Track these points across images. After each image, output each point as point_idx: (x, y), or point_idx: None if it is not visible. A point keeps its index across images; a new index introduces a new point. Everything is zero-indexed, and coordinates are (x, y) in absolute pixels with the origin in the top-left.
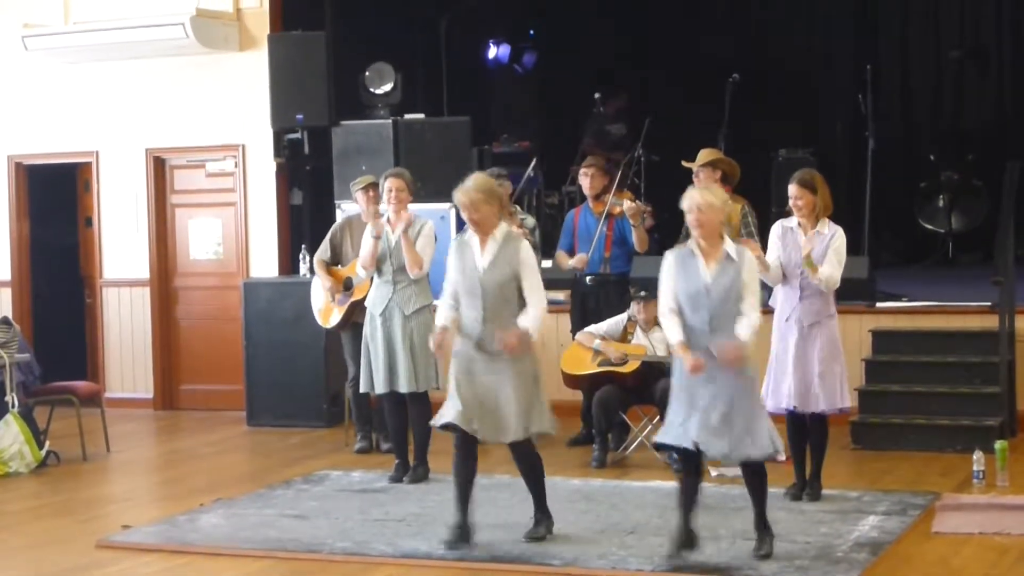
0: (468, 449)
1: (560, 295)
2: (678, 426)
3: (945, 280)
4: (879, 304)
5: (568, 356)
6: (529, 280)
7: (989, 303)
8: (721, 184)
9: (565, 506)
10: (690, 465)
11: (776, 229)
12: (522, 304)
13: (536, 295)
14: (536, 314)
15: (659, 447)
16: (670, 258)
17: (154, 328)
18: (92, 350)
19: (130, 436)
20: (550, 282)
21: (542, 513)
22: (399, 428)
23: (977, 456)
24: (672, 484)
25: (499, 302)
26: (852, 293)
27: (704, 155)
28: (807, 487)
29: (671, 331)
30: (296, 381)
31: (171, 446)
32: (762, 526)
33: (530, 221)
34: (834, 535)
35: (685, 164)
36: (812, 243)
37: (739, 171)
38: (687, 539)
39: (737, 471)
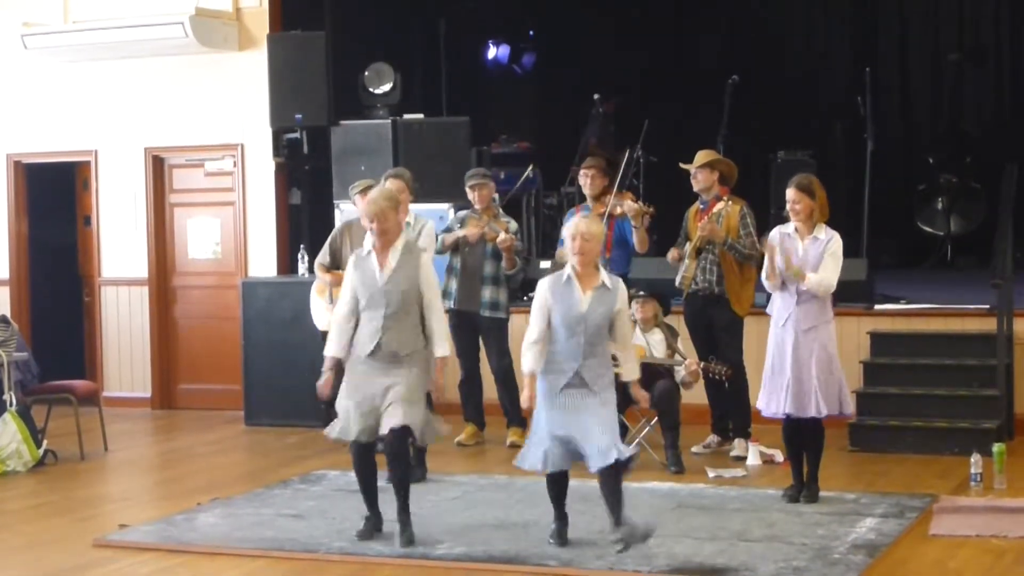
0: (363, 455)
1: None
2: (541, 451)
3: (943, 283)
4: (877, 306)
5: None
6: (430, 296)
7: (987, 306)
8: (719, 185)
9: None
10: (556, 477)
11: (773, 235)
12: (422, 316)
13: (438, 315)
14: (444, 334)
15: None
16: (545, 285)
17: (152, 327)
18: (90, 349)
19: (128, 435)
20: None
21: (404, 513)
22: None
23: (975, 459)
24: (668, 485)
25: (400, 311)
26: (850, 295)
27: (701, 156)
28: (804, 489)
29: (527, 360)
30: (294, 381)
31: (169, 445)
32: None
33: (513, 225)
34: (831, 537)
35: (683, 166)
36: (807, 248)
37: (737, 172)
38: (563, 524)
39: (735, 472)
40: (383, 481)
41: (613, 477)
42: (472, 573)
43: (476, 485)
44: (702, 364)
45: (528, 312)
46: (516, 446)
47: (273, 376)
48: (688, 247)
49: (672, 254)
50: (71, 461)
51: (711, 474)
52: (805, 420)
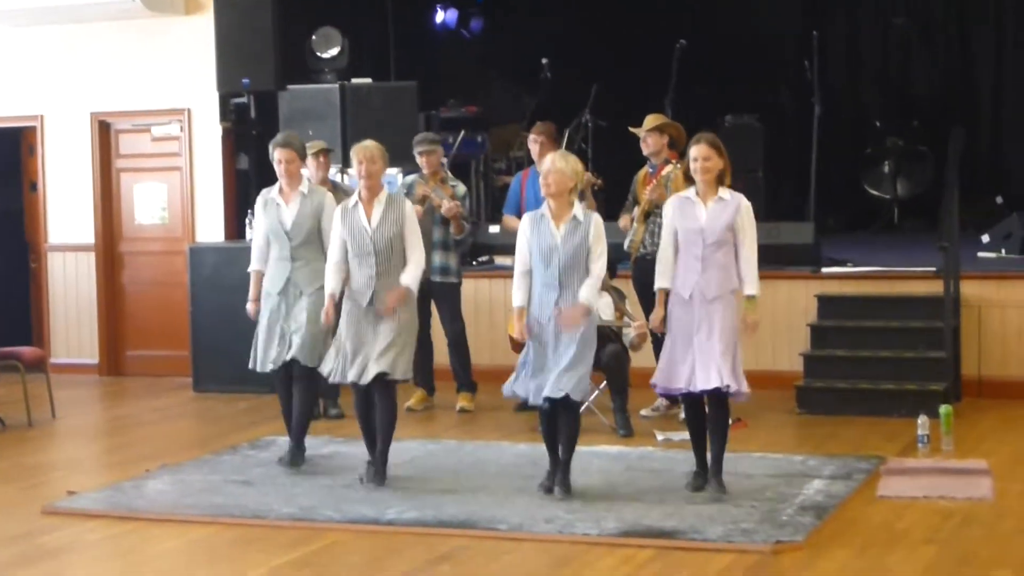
0: (361, 397)
1: (508, 260)
2: (527, 379)
3: (890, 245)
4: (824, 269)
5: None
6: (411, 238)
7: (934, 268)
8: (668, 149)
9: (512, 471)
10: (550, 415)
11: (671, 203)
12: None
13: (416, 252)
14: (415, 271)
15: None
16: (525, 221)
17: (99, 293)
18: (37, 315)
19: (75, 402)
20: (499, 247)
21: (382, 459)
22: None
23: (922, 420)
24: (617, 448)
25: (389, 257)
26: (797, 258)
27: (650, 120)
28: (711, 479)
29: (515, 294)
30: (243, 347)
31: (117, 412)
32: (567, 466)
33: (461, 189)
34: (779, 499)
35: (632, 129)
36: (712, 211)
37: (686, 136)
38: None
39: (684, 435)
40: (331, 447)
41: (562, 413)
42: (422, 537)
43: (425, 450)
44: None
45: (478, 277)
46: (465, 411)
47: (221, 342)
48: (636, 211)
49: (623, 221)
50: (18, 428)
51: (660, 437)
52: (707, 396)
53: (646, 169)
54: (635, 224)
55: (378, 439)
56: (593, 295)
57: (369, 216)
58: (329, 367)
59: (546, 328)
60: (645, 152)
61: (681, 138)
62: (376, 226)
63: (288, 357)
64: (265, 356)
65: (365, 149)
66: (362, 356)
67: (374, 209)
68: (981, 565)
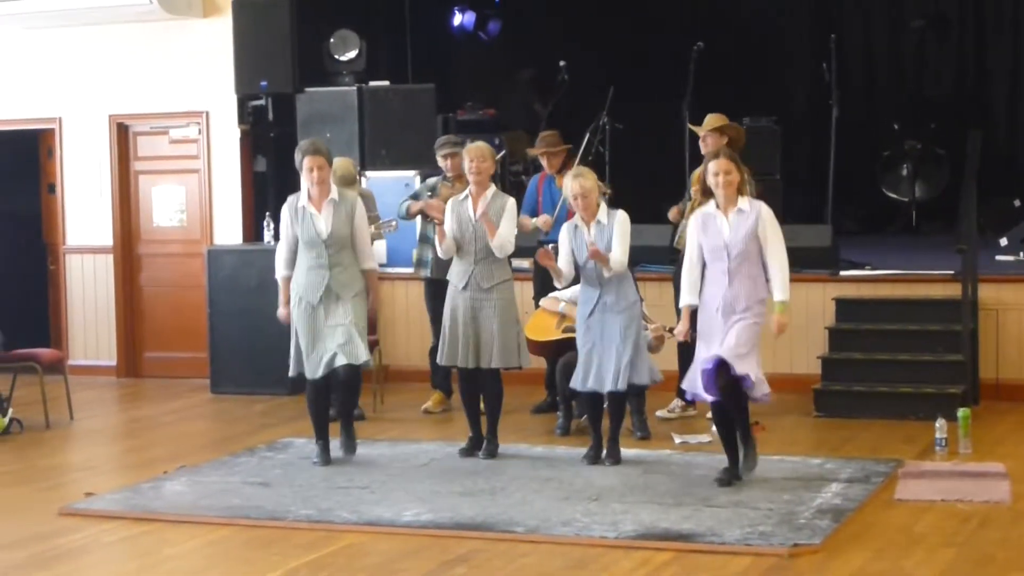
0: (468, 380)
1: (524, 262)
2: (583, 376)
3: (908, 248)
4: (842, 272)
5: (532, 323)
6: (504, 225)
7: (952, 271)
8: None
9: (529, 473)
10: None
11: (695, 219)
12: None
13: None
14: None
15: (573, 394)
16: (564, 231)
17: (117, 295)
18: (55, 317)
19: (93, 404)
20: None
21: (492, 435)
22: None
23: (940, 424)
24: (634, 451)
25: (487, 246)
26: (815, 261)
27: (712, 120)
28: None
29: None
30: (260, 349)
31: (134, 413)
32: (615, 440)
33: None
34: (797, 502)
35: (691, 127)
36: (734, 223)
37: (744, 137)
38: (597, 454)
39: (701, 438)
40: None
41: (618, 401)
42: (439, 540)
43: (443, 452)
44: (667, 327)
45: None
46: (482, 414)
47: (239, 344)
48: (688, 208)
49: (673, 212)
50: (36, 430)
51: (677, 440)
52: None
53: (703, 167)
54: (685, 220)
55: (487, 418)
56: (619, 265)
57: (475, 209)
58: (440, 355)
59: (593, 320)
60: (704, 152)
61: (740, 140)
62: (479, 218)
63: (337, 365)
64: (315, 364)
65: (477, 148)
66: (464, 341)
67: (479, 203)
68: (999, 568)
